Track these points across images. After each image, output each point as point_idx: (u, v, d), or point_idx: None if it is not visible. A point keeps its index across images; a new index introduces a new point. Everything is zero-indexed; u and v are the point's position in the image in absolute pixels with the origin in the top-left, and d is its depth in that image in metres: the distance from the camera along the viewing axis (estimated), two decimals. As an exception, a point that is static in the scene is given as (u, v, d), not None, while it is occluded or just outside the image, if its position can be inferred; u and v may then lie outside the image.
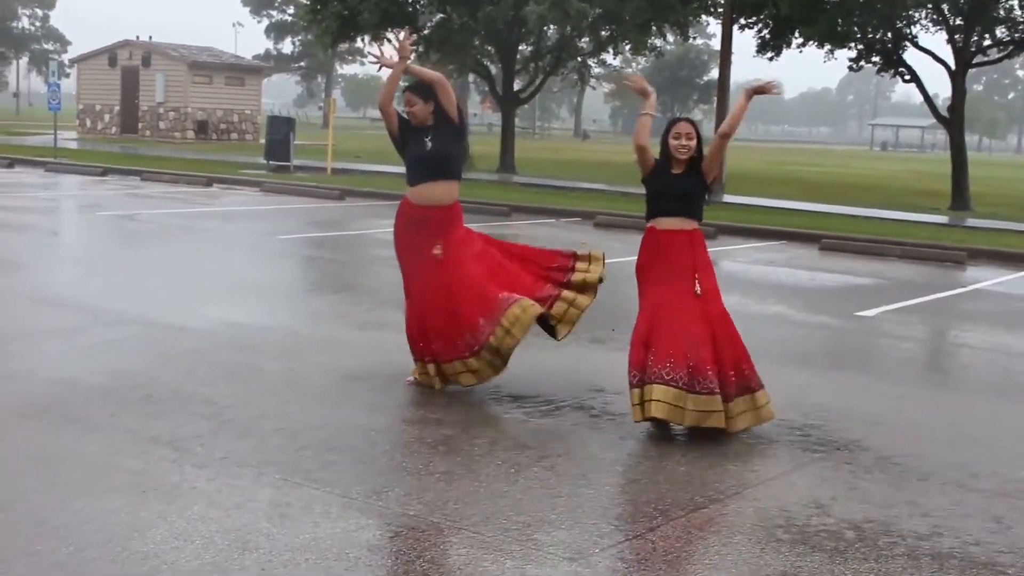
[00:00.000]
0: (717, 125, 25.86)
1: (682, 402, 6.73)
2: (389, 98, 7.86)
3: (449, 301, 7.52)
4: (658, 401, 6.71)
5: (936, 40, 29.61)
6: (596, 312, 11.25)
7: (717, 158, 7.16)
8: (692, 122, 7.14)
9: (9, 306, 10.10)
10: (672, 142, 7.01)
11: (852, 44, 29.03)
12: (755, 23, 28.84)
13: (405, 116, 7.87)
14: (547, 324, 7.84)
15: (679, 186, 7.02)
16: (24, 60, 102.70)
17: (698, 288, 6.95)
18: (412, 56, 7.93)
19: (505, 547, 4.95)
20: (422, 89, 7.76)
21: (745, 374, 6.97)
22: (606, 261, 8.17)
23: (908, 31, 28.99)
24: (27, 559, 4.57)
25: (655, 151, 7.14)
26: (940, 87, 31.77)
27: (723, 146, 7.20)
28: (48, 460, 5.86)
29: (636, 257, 7.23)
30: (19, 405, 6.81)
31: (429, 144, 7.65)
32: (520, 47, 35.94)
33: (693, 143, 7.01)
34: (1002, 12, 27.90)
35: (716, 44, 38.01)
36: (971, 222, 23.97)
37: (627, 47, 36.04)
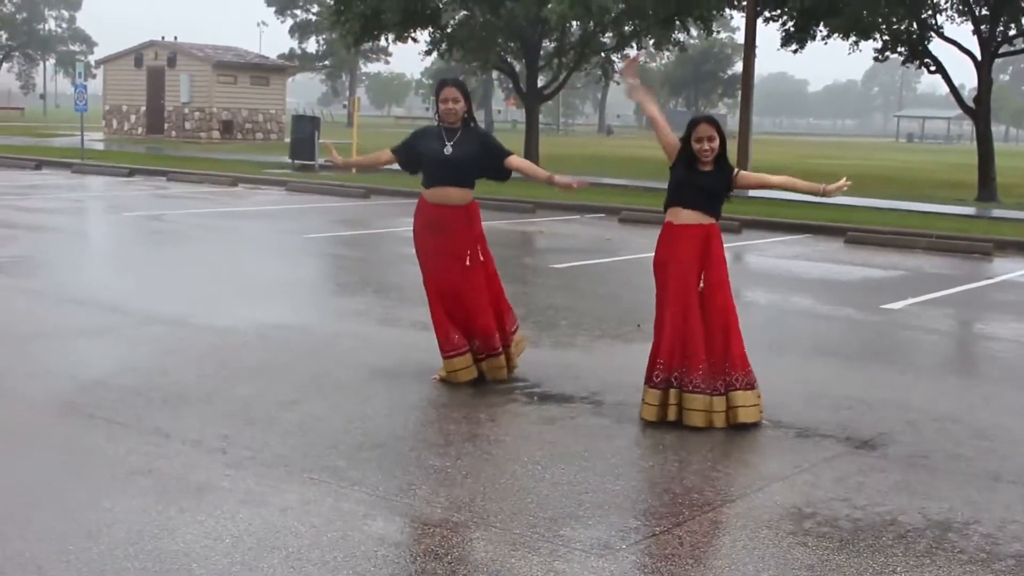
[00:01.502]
0: (742, 119, 25.77)
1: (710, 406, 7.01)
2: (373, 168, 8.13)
3: (477, 300, 7.64)
4: (694, 410, 6.96)
5: (962, 31, 29.46)
6: (622, 308, 11.28)
7: (754, 186, 7.29)
8: (712, 121, 7.14)
9: (37, 306, 10.17)
10: (695, 145, 7.05)
11: (877, 35, 28.89)
12: (779, 15, 28.74)
13: (424, 129, 7.97)
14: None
15: (703, 181, 7.05)
16: (51, 61, 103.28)
17: (701, 284, 7.01)
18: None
19: (532, 543, 4.96)
20: (462, 87, 7.80)
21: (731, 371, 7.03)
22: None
23: (933, 22, 28.85)
24: (59, 558, 4.61)
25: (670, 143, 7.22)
26: (966, 78, 31.64)
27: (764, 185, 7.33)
28: (78, 459, 5.91)
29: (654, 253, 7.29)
30: (48, 404, 6.87)
31: (449, 149, 7.63)
32: (543, 43, 35.93)
33: (716, 144, 7.04)
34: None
35: (740, 37, 37.93)
36: (998, 213, 23.83)
37: (650, 42, 35.95)
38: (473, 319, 7.68)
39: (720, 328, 7.00)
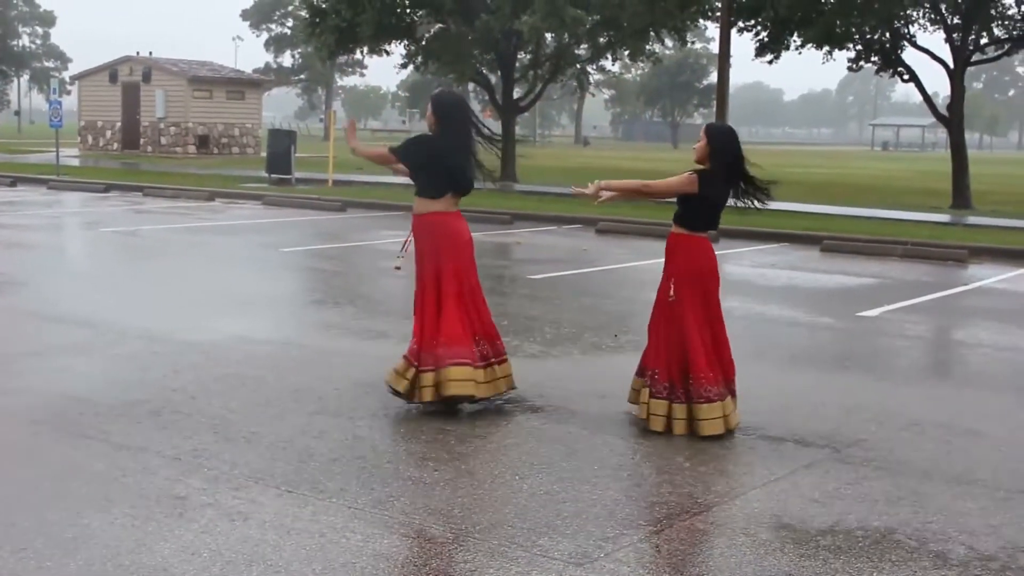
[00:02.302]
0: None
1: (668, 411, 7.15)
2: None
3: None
4: (655, 415, 7.17)
5: (934, 39, 29.69)
6: (599, 319, 11.31)
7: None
8: (707, 124, 7.53)
9: (15, 323, 10.14)
10: None
11: (851, 45, 29.06)
12: (753, 26, 28.86)
13: None
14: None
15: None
16: (25, 78, 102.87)
17: (672, 293, 7.17)
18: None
19: (511, 554, 4.98)
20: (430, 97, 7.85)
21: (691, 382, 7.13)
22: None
23: (906, 31, 29.02)
24: (37, 573, 4.61)
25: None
26: (940, 86, 31.80)
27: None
28: (56, 475, 5.90)
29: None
30: (27, 421, 6.85)
31: None
32: (519, 55, 36.03)
33: (698, 144, 7.24)
34: (999, 10, 27.93)
35: (715, 48, 38.10)
36: (972, 220, 23.98)
37: (625, 53, 36.09)
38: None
39: (677, 339, 7.09)
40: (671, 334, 7.12)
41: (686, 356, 7.07)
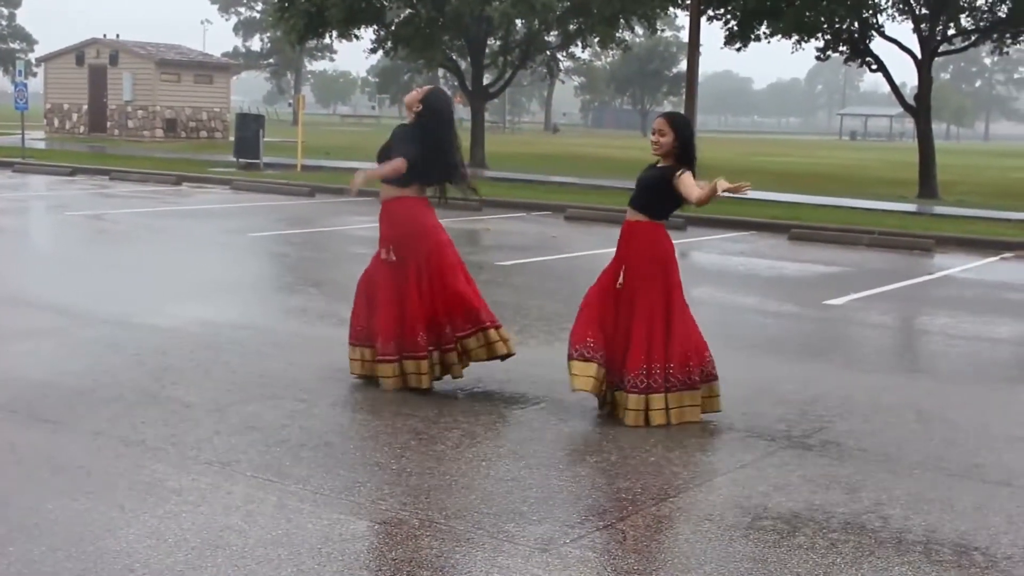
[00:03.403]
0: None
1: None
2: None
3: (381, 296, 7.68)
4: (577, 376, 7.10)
5: (903, 29, 29.80)
6: (566, 305, 11.31)
7: (682, 195, 7.10)
8: (666, 116, 7.24)
9: (-22, 308, 10.06)
10: (650, 138, 7.20)
11: (819, 34, 29.15)
12: (723, 15, 28.91)
13: None
14: None
15: (644, 175, 7.21)
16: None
17: (620, 280, 7.11)
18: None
19: (476, 539, 4.98)
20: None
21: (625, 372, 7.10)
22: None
23: (875, 20, 29.14)
24: (0, 561, 4.58)
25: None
26: (907, 76, 31.94)
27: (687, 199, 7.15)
28: (20, 461, 5.85)
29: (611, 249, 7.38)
30: (-11, 407, 6.80)
31: None
32: (488, 41, 35.96)
33: (662, 139, 7.08)
34: (967, 1, 28.09)
35: (685, 36, 38.16)
36: (939, 210, 24.13)
37: (595, 40, 36.12)
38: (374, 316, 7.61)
39: (623, 326, 7.08)
40: (619, 320, 7.10)
41: (624, 344, 7.05)
